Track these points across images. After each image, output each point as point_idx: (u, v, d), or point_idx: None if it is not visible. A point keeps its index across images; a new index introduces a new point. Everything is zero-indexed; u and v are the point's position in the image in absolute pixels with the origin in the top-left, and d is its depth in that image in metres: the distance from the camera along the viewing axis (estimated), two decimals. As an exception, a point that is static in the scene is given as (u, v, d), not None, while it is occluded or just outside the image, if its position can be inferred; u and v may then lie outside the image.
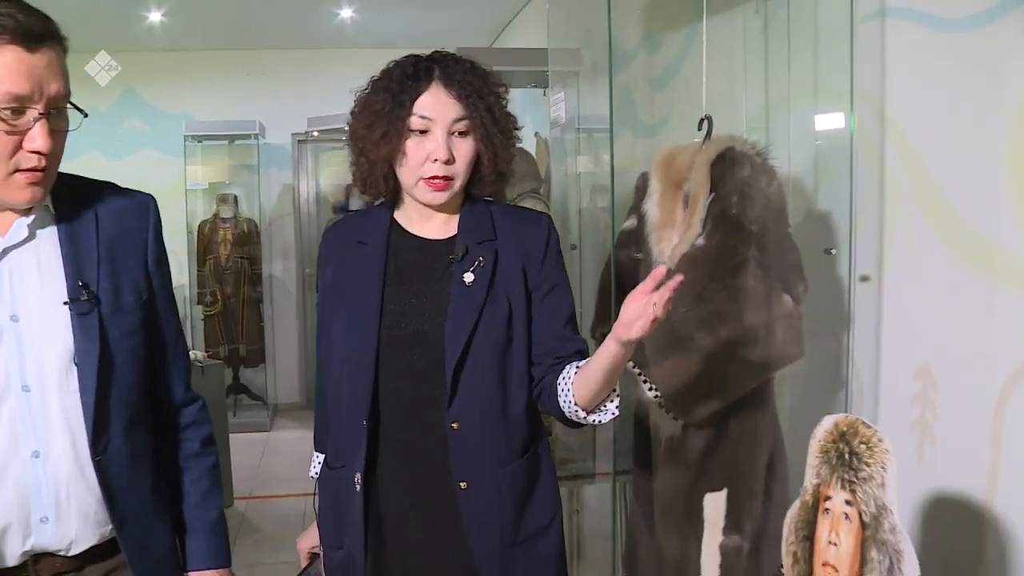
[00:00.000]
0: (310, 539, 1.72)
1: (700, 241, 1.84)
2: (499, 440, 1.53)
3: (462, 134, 1.49)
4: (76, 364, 1.28)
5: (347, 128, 1.57)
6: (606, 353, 1.40)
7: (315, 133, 5.53)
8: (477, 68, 1.52)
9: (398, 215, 1.60)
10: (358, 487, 1.53)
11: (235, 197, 5.98)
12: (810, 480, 1.31)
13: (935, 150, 1.72)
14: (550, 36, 4.31)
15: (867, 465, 1.19)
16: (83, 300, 1.29)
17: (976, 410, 1.63)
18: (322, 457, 1.68)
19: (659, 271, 1.36)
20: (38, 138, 1.20)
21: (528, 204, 3.66)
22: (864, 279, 1.82)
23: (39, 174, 1.23)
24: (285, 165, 6.23)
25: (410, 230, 1.58)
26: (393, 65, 1.53)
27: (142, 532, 1.34)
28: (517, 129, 1.56)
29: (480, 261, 1.53)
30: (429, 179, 1.48)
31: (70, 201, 1.32)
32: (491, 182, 1.56)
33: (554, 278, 1.57)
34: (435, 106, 1.48)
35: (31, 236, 1.29)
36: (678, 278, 1.33)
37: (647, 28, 3.19)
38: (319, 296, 1.67)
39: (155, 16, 4.85)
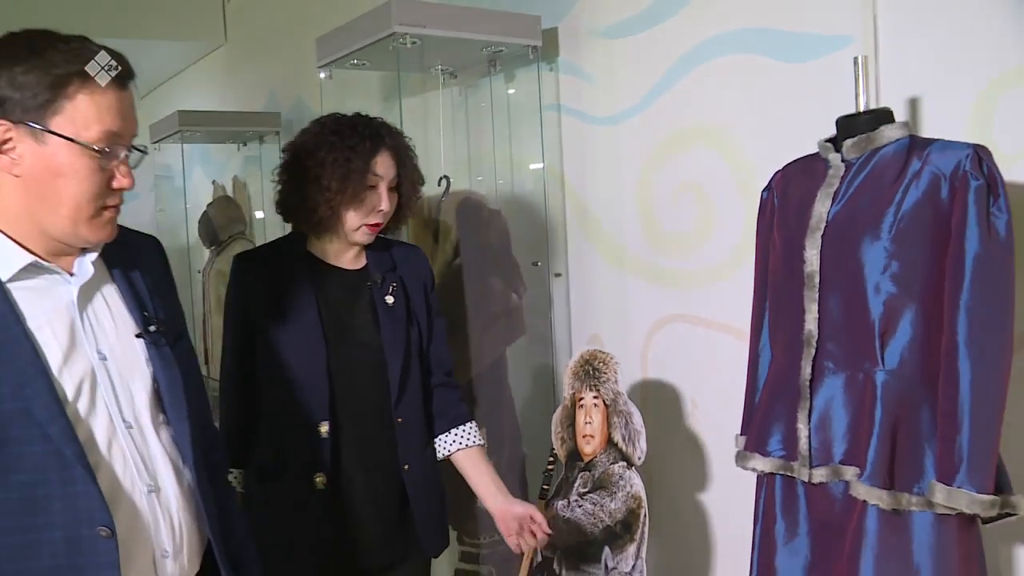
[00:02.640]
0: None
1: (458, 262, 2.69)
2: (421, 428, 1.88)
3: (392, 189, 1.82)
4: (162, 395, 1.28)
5: (312, 178, 1.77)
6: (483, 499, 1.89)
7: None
8: (403, 135, 1.87)
9: (313, 248, 1.85)
10: (320, 485, 1.74)
11: None
12: (567, 392, 2.23)
13: (593, 198, 2.75)
14: (238, 100, 4.86)
15: (604, 373, 2.14)
16: (154, 332, 1.28)
17: (630, 356, 2.68)
18: (239, 473, 1.85)
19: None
20: (125, 177, 1.21)
21: (239, 246, 4.23)
22: (557, 275, 2.80)
23: (116, 212, 1.24)
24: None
25: (328, 261, 1.85)
26: (344, 127, 1.79)
27: (217, 564, 1.34)
28: (422, 183, 1.91)
29: (394, 285, 1.86)
30: (372, 225, 1.81)
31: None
32: (399, 224, 1.92)
33: (438, 303, 1.95)
34: (384, 167, 1.79)
35: (95, 273, 1.26)
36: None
37: (341, 96, 3.92)
38: (235, 321, 1.83)
39: None
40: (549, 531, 1.84)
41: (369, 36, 2.48)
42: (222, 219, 4.26)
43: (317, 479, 1.75)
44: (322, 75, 2.79)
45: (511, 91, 2.92)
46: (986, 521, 1.54)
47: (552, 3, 2.76)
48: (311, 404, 1.76)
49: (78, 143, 1.16)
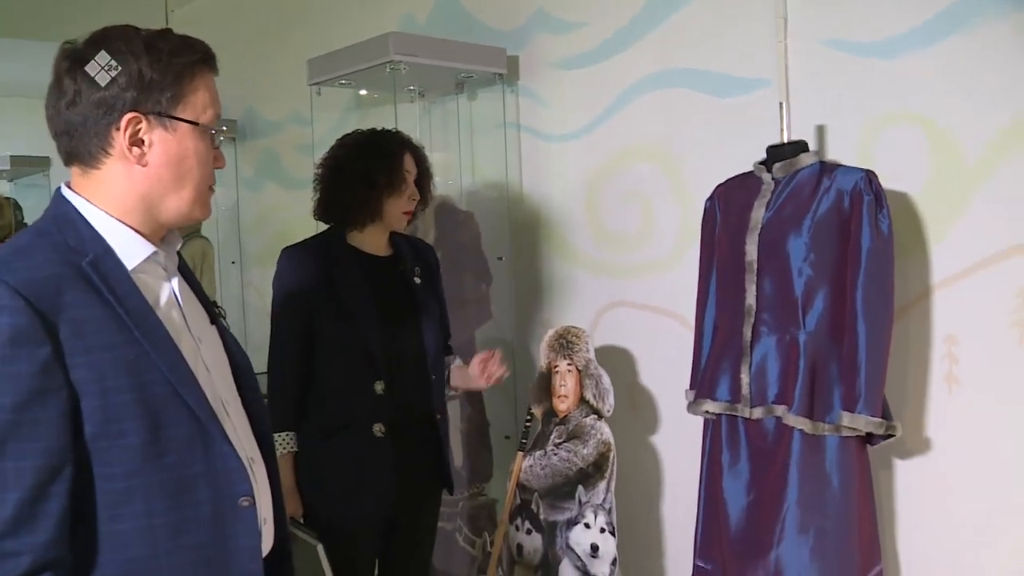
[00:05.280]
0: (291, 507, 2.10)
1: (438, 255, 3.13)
2: (444, 383, 2.30)
3: (415, 182, 2.23)
4: (239, 378, 1.33)
5: (360, 178, 2.13)
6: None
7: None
8: (413, 140, 2.30)
9: (352, 240, 2.20)
10: (379, 434, 2.09)
11: None
12: (543, 361, 2.70)
13: (549, 202, 3.24)
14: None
15: (576, 344, 2.63)
16: (221, 317, 1.36)
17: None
18: (292, 435, 2.13)
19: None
20: (222, 157, 1.25)
21: (198, 243, 4.52)
22: (499, 259, 3.25)
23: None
24: None
25: (365, 250, 2.21)
26: (376, 137, 2.20)
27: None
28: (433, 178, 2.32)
29: (418, 269, 2.27)
30: (407, 212, 2.22)
31: None
32: (419, 211, 2.31)
33: (441, 284, 2.40)
34: (410, 165, 2.21)
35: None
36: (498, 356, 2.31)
37: (295, 107, 4.24)
38: (293, 302, 2.11)
39: None
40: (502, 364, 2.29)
41: (366, 62, 2.89)
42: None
43: (376, 429, 2.11)
44: (313, 92, 3.18)
45: (475, 110, 3.39)
46: (874, 442, 2.12)
47: (512, 36, 3.23)
48: (369, 368, 2.11)
49: (201, 126, 1.22)
